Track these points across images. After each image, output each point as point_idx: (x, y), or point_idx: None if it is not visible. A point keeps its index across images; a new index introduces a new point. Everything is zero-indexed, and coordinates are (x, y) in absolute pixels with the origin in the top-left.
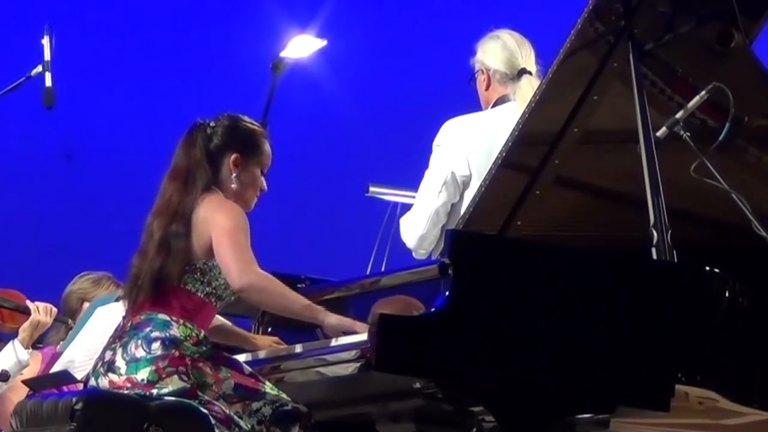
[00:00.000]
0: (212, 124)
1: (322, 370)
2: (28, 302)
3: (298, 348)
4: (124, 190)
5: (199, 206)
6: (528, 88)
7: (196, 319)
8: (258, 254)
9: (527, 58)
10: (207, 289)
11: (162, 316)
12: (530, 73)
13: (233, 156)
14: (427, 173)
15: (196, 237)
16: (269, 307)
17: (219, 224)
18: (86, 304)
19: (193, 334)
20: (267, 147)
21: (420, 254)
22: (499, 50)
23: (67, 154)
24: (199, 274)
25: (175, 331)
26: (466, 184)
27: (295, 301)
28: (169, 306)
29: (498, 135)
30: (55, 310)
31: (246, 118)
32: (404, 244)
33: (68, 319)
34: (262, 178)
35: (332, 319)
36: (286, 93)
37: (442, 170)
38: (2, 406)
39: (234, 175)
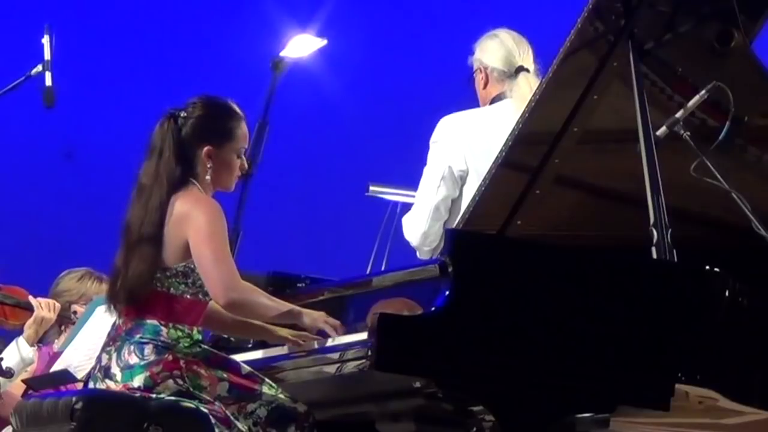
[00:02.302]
0: (183, 114)
1: (322, 369)
2: (30, 298)
3: (298, 348)
4: (124, 190)
5: (175, 204)
6: (525, 85)
7: (187, 319)
8: (258, 254)
9: (525, 56)
10: (192, 289)
11: (151, 322)
12: (528, 71)
13: (206, 148)
14: (426, 170)
15: (173, 238)
16: (251, 317)
17: (196, 228)
18: (75, 306)
19: (185, 334)
20: (242, 129)
21: (424, 252)
22: (497, 48)
23: (67, 154)
24: (181, 277)
25: (165, 336)
26: (463, 179)
27: (274, 310)
28: (157, 311)
29: (494, 131)
30: (58, 305)
31: (219, 101)
32: (408, 243)
33: (71, 313)
34: (242, 159)
35: (307, 319)
36: (286, 93)
37: (440, 166)
38: (4, 399)
39: (209, 166)
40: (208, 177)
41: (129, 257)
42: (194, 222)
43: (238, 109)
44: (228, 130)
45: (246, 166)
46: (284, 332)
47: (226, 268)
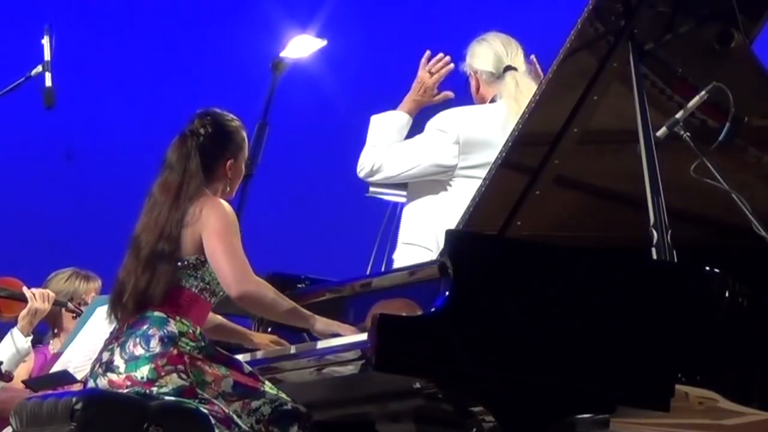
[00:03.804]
0: (201, 131)
1: (321, 370)
2: (24, 289)
3: (298, 348)
4: (124, 190)
5: (192, 209)
6: (512, 83)
7: (191, 315)
8: (258, 254)
9: (514, 57)
10: (200, 284)
11: (158, 314)
12: (515, 69)
13: (228, 162)
14: (428, 140)
15: (187, 235)
16: (262, 313)
17: (210, 225)
18: (71, 305)
19: (190, 331)
20: (246, 140)
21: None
22: (485, 51)
23: (67, 154)
24: (192, 269)
25: (173, 327)
26: (447, 173)
27: (286, 308)
28: (165, 304)
29: (491, 127)
30: (53, 295)
31: (228, 116)
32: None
33: (67, 301)
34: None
35: (320, 324)
36: (286, 93)
37: (434, 152)
38: (6, 394)
39: (228, 177)
40: (228, 188)
41: (142, 271)
42: (208, 220)
43: (241, 122)
44: (241, 142)
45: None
46: (265, 338)
47: (238, 262)
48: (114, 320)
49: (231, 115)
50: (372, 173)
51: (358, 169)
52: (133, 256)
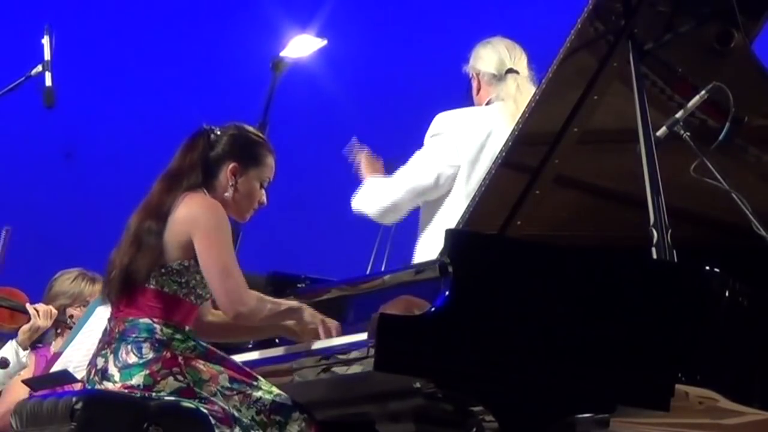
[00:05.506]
0: (218, 131)
1: (321, 370)
2: (27, 305)
3: (298, 348)
4: (124, 190)
5: (180, 204)
6: (512, 85)
7: (177, 318)
8: (258, 254)
9: (517, 61)
10: (185, 289)
11: (144, 321)
12: (517, 73)
13: (231, 165)
14: (417, 157)
15: (173, 235)
16: (254, 323)
17: (203, 234)
18: (70, 310)
19: (178, 332)
20: (270, 161)
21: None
22: (489, 54)
23: (67, 154)
24: (176, 275)
25: (159, 334)
26: (453, 177)
27: (276, 312)
28: (149, 309)
29: (486, 129)
30: (55, 312)
31: (252, 130)
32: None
33: (68, 317)
34: (262, 191)
35: (306, 314)
36: (286, 93)
37: (435, 158)
38: (9, 397)
39: (231, 183)
40: (227, 194)
41: (128, 246)
42: (201, 227)
43: (269, 143)
44: (256, 155)
45: (265, 201)
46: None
47: (233, 282)
48: (107, 301)
49: (260, 133)
50: (395, 206)
51: (361, 211)
52: (123, 236)
